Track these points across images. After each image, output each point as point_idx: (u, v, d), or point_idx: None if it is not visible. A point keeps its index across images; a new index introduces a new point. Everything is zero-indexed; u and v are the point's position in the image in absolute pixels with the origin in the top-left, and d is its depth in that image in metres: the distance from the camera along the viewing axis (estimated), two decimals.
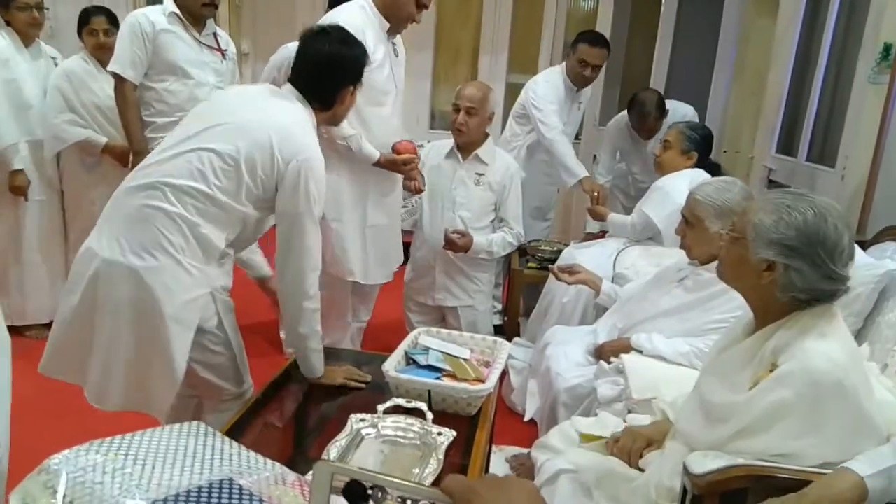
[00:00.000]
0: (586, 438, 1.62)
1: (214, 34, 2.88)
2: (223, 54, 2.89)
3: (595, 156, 3.88)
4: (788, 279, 1.26)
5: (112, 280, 1.58)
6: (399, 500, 0.58)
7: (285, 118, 1.69)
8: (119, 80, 2.73)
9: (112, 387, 1.66)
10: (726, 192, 1.90)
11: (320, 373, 1.77)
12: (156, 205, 1.58)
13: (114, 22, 3.10)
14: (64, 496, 0.99)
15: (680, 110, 3.60)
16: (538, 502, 0.59)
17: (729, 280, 1.42)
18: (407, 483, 0.59)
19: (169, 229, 1.58)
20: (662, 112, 3.44)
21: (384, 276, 2.67)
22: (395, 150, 2.43)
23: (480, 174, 2.87)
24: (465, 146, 2.87)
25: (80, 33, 3.12)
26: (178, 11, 2.73)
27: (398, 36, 2.57)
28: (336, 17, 2.25)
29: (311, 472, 1.03)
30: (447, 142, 2.94)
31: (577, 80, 3.37)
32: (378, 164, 2.43)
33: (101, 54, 3.06)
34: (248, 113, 1.68)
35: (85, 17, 3.10)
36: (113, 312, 1.60)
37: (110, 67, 2.73)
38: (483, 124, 2.81)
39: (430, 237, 2.90)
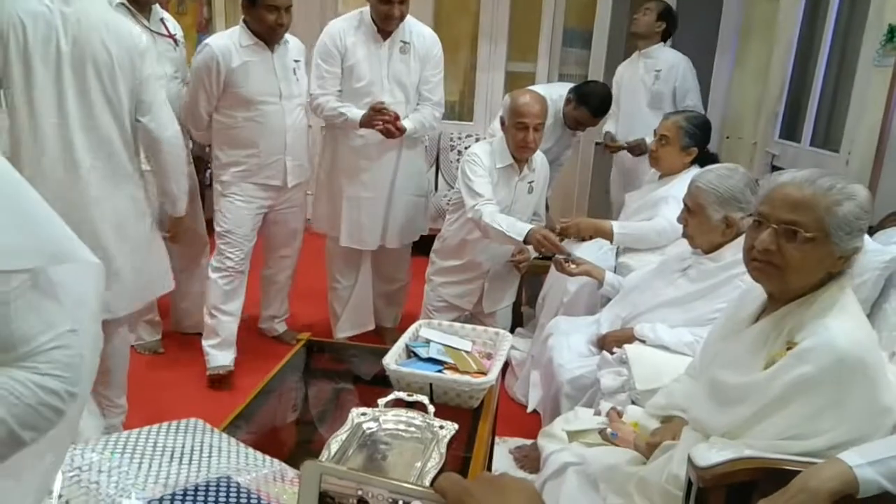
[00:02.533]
0: (573, 436, 1.61)
1: (162, 20, 2.78)
2: (174, 40, 2.81)
3: (605, 133, 3.79)
4: (857, 258, 1.26)
5: None
6: (390, 500, 0.56)
7: None
8: None
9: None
10: (728, 179, 1.88)
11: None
12: None
13: None
14: (60, 496, 0.98)
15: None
16: (536, 503, 0.56)
17: (794, 282, 1.28)
18: (398, 483, 0.57)
19: None
20: (668, 18, 3.49)
21: (356, 243, 2.99)
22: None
23: (532, 181, 2.83)
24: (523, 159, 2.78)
25: None
26: (124, 1, 2.60)
27: (417, 33, 2.90)
28: (329, 25, 2.88)
29: None
30: (490, 147, 2.80)
31: (570, 126, 3.41)
32: (363, 124, 2.77)
33: None
34: None
35: None
36: None
37: None
38: None
39: (489, 248, 2.83)
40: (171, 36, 2.80)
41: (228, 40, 2.66)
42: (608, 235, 2.60)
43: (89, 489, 0.98)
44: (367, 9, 2.82)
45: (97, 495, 0.96)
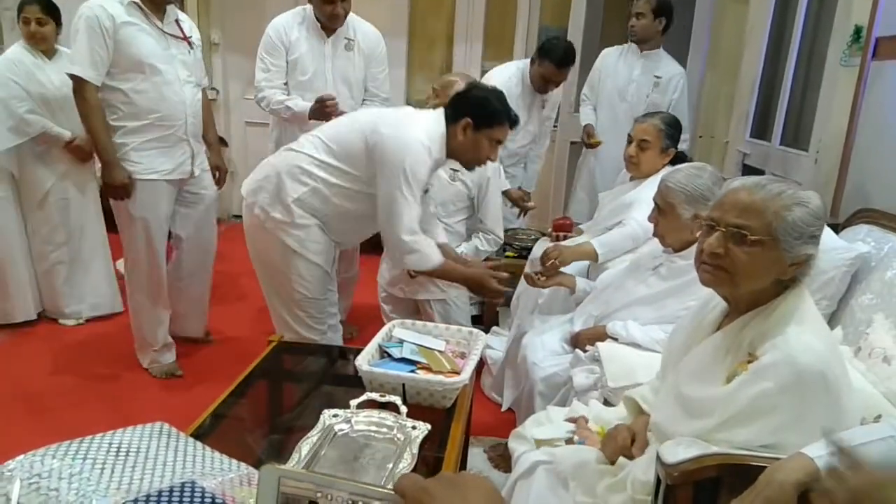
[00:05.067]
0: (541, 444, 1.61)
1: (177, 21, 2.62)
2: (189, 43, 2.65)
3: (585, 126, 3.71)
4: (810, 266, 1.26)
5: None
6: (350, 502, 0.56)
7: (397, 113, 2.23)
8: (78, 82, 2.46)
9: None
10: (697, 178, 1.89)
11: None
12: None
13: (49, 11, 2.97)
14: (18, 503, 0.95)
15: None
16: (495, 501, 0.56)
17: (742, 285, 1.28)
18: (357, 484, 0.57)
19: None
20: (666, 11, 3.39)
21: None
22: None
23: (455, 170, 2.76)
24: None
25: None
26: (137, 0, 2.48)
27: (362, 31, 2.99)
28: (274, 20, 2.95)
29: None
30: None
31: (539, 89, 3.38)
32: (312, 116, 2.82)
33: (36, 44, 2.97)
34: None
35: (20, 6, 2.97)
36: None
37: (68, 70, 2.50)
38: None
39: None
40: (185, 38, 2.64)
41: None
42: (592, 256, 2.52)
43: (49, 496, 0.95)
44: (309, 5, 2.90)
45: (56, 502, 0.94)
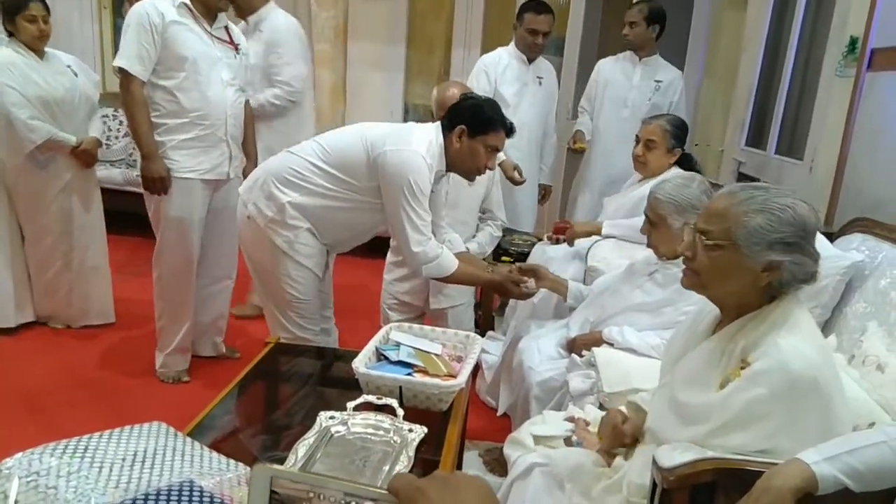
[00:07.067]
0: (539, 440, 1.62)
1: (226, 28, 2.68)
2: (236, 49, 2.69)
3: (576, 132, 3.74)
4: (791, 274, 1.26)
5: None
6: (343, 502, 0.56)
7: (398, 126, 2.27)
8: (125, 76, 2.50)
9: None
10: (685, 188, 1.92)
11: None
12: None
13: (48, 8, 2.95)
14: (16, 501, 0.96)
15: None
16: (489, 501, 0.56)
17: (712, 288, 1.34)
18: (351, 484, 0.57)
19: None
20: (658, 18, 3.47)
21: None
22: None
23: None
24: None
25: (6, 22, 2.92)
26: (187, 2, 2.52)
27: (269, 19, 3.16)
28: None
29: None
30: None
31: (529, 50, 3.44)
32: None
33: (41, 43, 2.92)
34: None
35: (20, 4, 2.87)
36: None
37: (115, 62, 2.51)
38: None
39: None
40: (233, 44, 2.68)
41: None
42: (598, 231, 2.68)
43: (47, 494, 0.95)
44: None
45: (55, 500, 0.94)
